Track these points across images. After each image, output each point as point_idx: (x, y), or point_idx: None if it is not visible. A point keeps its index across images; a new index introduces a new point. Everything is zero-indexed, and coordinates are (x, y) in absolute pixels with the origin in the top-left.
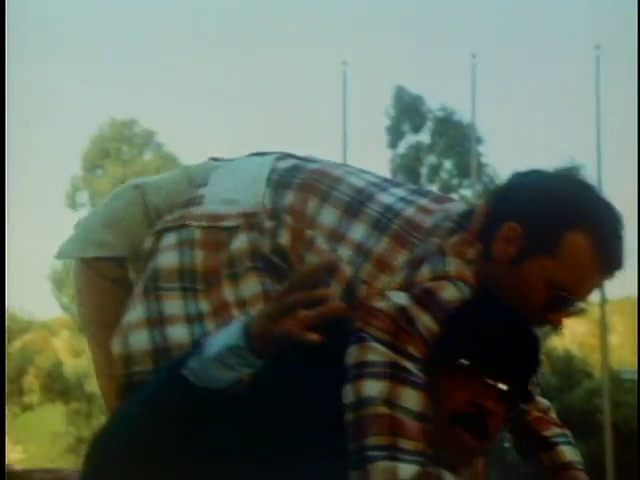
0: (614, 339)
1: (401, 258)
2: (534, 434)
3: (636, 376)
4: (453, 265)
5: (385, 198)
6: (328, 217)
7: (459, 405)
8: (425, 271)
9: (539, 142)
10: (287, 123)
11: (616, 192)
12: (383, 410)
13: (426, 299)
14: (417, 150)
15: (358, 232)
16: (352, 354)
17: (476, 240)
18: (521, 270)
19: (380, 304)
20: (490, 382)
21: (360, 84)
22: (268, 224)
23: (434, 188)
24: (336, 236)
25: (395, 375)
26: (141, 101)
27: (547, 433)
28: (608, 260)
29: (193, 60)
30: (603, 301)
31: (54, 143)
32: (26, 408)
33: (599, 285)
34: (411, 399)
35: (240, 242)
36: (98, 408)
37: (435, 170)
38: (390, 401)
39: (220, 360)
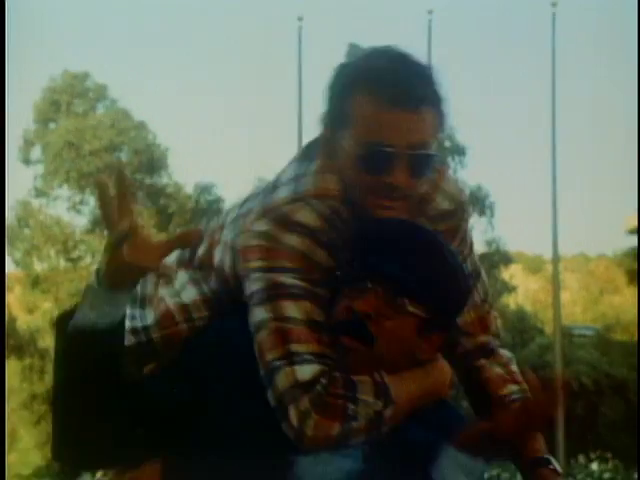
0: (566, 296)
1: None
2: (490, 394)
3: (587, 332)
4: (310, 184)
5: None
6: (230, 215)
7: (339, 313)
8: (282, 193)
9: (496, 99)
10: (242, 80)
11: (570, 150)
12: (272, 326)
13: (284, 221)
14: None
15: (243, 208)
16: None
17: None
18: (341, 156)
19: (247, 240)
20: (359, 286)
21: (316, 40)
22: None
23: None
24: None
25: (274, 294)
26: (95, 55)
27: (503, 392)
28: (390, 96)
29: (150, 16)
30: (555, 258)
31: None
32: None
33: (408, 122)
34: (295, 309)
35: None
36: (51, 364)
37: None
38: (276, 317)
39: (86, 303)
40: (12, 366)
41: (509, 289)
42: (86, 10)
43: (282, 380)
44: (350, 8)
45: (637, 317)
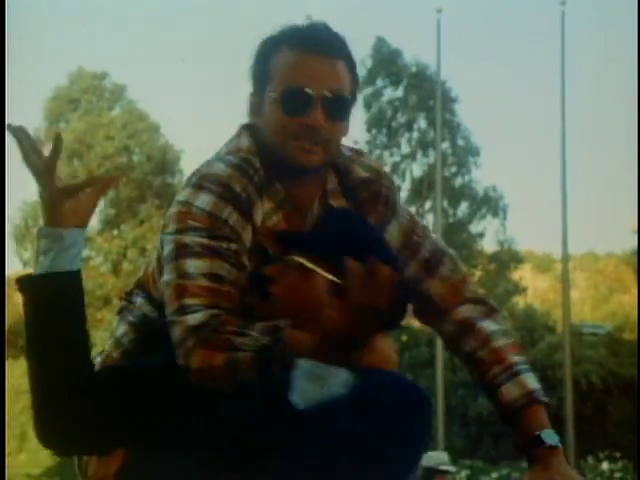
0: (575, 295)
1: None
2: (481, 382)
3: (596, 331)
4: (225, 147)
5: None
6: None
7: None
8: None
9: (504, 99)
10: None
11: (580, 147)
12: (172, 284)
13: (199, 181)
14: (390, 105)
15: None
16: None
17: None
18: (266, 110)
19: (169, 212)
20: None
21: None
22: None
23: (407, 143)
24: None
25: (177, 254)
26: (114, 56)
27: (488, 377)
28: (306, 44)
29: (167, 15)
30: (565, 257)
31: (15, 94)
32: None
33: (323, 67)
34: (194, 265)
35: None
36: None
37: (409, 125)
38: (177, 275)
39: (38, 250)
40: (22, 366)
41: (519, 291)
42: (97, 10)
43: (176, 330)
44: (359, 8)
45: (637, 317)
